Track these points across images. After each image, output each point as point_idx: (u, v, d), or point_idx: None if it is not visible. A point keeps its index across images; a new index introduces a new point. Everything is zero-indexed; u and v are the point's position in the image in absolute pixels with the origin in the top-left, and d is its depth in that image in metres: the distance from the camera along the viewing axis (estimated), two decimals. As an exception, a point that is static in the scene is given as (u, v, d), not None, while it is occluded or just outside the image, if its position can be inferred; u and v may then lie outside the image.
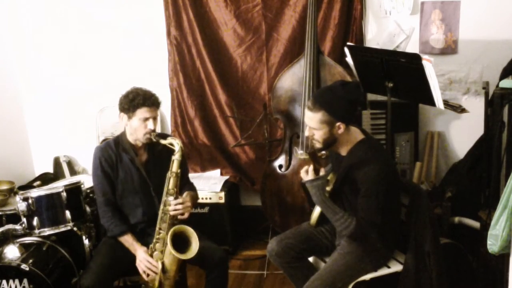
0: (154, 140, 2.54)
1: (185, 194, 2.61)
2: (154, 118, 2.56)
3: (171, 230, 2.43)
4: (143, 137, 2.56)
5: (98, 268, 2.48)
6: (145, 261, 2.49)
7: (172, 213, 2.49)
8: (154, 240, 2.51)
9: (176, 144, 2.50)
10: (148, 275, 2.49)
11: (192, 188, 2.77)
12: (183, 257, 2.41)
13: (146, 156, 2.68)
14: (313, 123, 2.28)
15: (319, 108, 2.24)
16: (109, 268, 2.50)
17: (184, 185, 2.72)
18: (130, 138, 2.63)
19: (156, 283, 2.49)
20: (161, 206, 2.51)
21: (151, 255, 2.51)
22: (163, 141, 2.53)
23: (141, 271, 2.50)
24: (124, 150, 2.64)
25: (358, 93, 2.35)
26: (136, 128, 2.55)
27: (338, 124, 2.26)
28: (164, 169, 2.56)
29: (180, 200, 2.50)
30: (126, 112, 2.56)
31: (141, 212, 2.66)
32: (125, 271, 2.69)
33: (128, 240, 2.58)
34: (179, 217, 2.51)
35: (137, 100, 2.51)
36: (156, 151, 2.67)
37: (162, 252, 2.49)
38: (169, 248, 2.39)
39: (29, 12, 3.97)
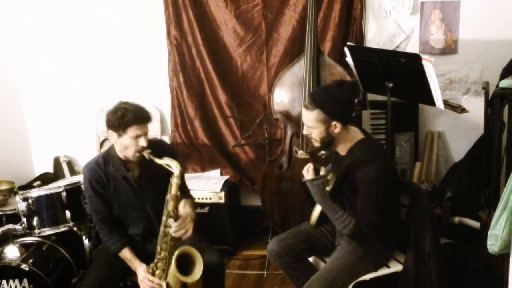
0: (147, 157, 2.40)
1: (181, 205, 2.46)
2: (146, 134, 2.44)
3: (176, 252, 2.36)
4: (134, 155, 2.44)
5: (96, 280, 2.45)
6: (146, 280, 2.44)
7: (173, 235, 2.41)
8: (156, 260, 2.45)
9: (174, 167, 2.35)
10: None
11: (188, 196, 2.65)
12: (187, 279, 2.38)
13: (138, 171, 2.56)
14: (309, 121, 2.29)
15: (315, 107, 2.25)
16: (107, 279, 2.48)
17: (181, 193, 2.57)
18: (120, 154, 2.50)
19: None
20: (161, 228, 2.43)
21: (153, 274, 2.45)
22: (158, 161, 2.38)
23: None
24: (115, 167, 2.53)
25: (354, 92, 2.35)
26: (127, 146, 2.42)
27: (334, 123, 2.26)
28: (157, 182, 2.48)
29: (181, 221, 2.41)
30: (115, 130, 2.41)
31: (141, 225, 2.61)
32: (124, 276, 2.66)
33: (127, 257, 2.52)
34: (183, 237, 2.44)
35: (127, 118, 2.36)
36: (148, 164, 2.49)
37: (164, 271, 2.44)
38: (174, 271, 2.35)
39: (29, 12, 3.97)
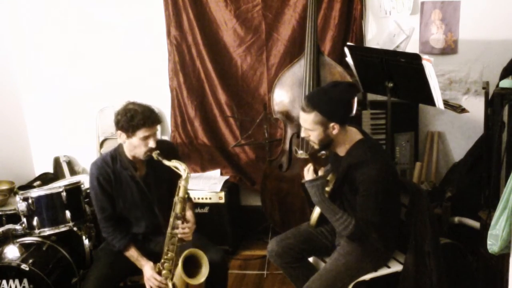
0: (155, 158, 2.44)
1: (189, 214, 2.55)
2: (154, 134, 2.47)
3: (183, 254, 2.39)
4: (144, 155, 2.48)
5: (98, 280, 2.46)
6: (152, 279, 2.46)
7: (180, 236, 2.46)
8: (162, 260, 2.48)
9: (182, 170, 2.41)
10: None
11: (189, 198, 2.68)
12: (194, 282, 2.40)
13: (145, 169, 2.60)
14: (307, 124, 2.28)
15: (312, 109, 2.24)
16: (108, 279, 2.49)
17: None
18: (129, 154, 2.54)
19: None
20: (169, 229, 2.46)
21: (159, 273, 2.48)
22: (167, 163, 2.43)
23: None
24: (123, 166, 2.56)
25: (351, 93, 2.34)
26: (136, 146, 2.46)
27: (332, 124, 2.26)
28: (163, 180, 2.52)
29: (189, 224, 2.48)
30: (125, 132, 2.44)
31: (144, 224, 2.63)
32: (126, 275, 2.68)
33: (133, 255, 2.54)
34: (184, 238, 2.48)
35: (137, 120, 2.39)
36: (155, 163, 2.52)
37: (171, 271, 2.47)
38: (181, 272, 2.37)
39: (29, 12, 3.97)
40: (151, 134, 2.44)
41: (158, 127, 2.52)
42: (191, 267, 2.41)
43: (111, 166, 2.56)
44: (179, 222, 2.44)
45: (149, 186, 2.60)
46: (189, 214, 2.56)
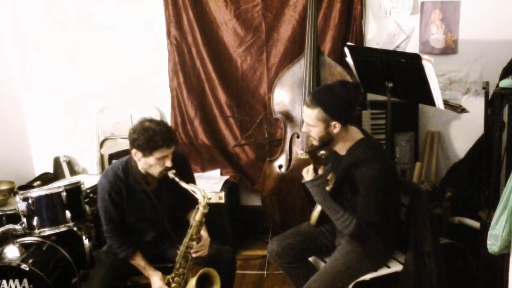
0: (170, 178, 2.41)
1: (205, 235, 2.54)
2: (171, 154, 2.42)
3: (199, 273, 2.43)
4: (159, 174, 2.43)
5: (102, 281, 2.45)
6: None
7: (194, 255, 2.47)
8: (173, 274, 2.49)
9: (201, 196, 2.38)
10: None
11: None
12: None
13: (157, 183, 2.56)
14: (309, 119, 2.28)
15: (316, 105, 2.25)
16: (112, 281, 2.49)
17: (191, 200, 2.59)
18: (142, 169, 2.48)
19: None
20: (182, 248, 2.46)
21: (168, 285, 2.49)
22: (184, 185, 2.40)
23: None
24: (136, 180, 2.51)
25: (357, 94, 2.34)
26: (151, 165, 2.41)
27: (334, 123, 2.26)
28: (174, 192, 2.50)
29: (202, 243, 2.49)
30: (141, 151, 2.37)
31: (152, 234, 2.62)
32: (128, 276, 2.68)
33: (140, 264, 2.54)
34: (201, 255, 2.50)
35: (155, 141, 2.33)
36: (166, 176, 2.48)
37: (181, 284, 2.49)
38: None
39: (29, 12, 3.97)
40: (168, 154, 2.40)
41: None
42: (203, 283, 2.46)
43: (124, 181, 2.51)
44: (194, 243, 2.46)
45: (160, 198, 2.57)
46: (205, 233, 2.55)
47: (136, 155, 2.41)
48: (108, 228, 2.55)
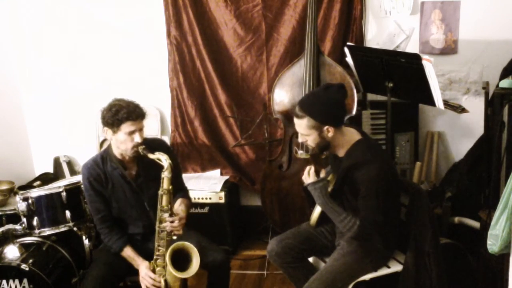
0: (141, 153, 2.45)
1: (177, 203, 2.56)
2: (140, 130, 2.47)
3: (170, 248, 2.38)
4: (130, 151, 2.47)
5: (97, 280, 2.45)
6: (147, 277, 2.46)
7: (168, 229, 2.44)
8: (155, 257, 2.48)
9: (164, 160, 2.41)
10: None
11: (186, 195, 2.71)
12: (184, 275, 2.37)
13: (136, 169, 2.60)
14: (302, 129, 2.30)
15: (304, 114, 2.26)
16: (107, 280, 2.48)
17: (178, 190, 2.65)
18: (117, 152, 2.54)
19: None
20: (157, 223, 2.45)
21: (153, 271, 2.47)
22: (150, 156, 2.43)
23: (144, 287, 2.47)
24: (113, 166, 2.56)
25: (342, 94, 2.32)
26: (122, 142, 2.46)
27: (326, 127, 2.26)
28: (155, 180, 2.49)
29: (176, 217, 2.44)
30: (110, 127, 2.45)
31: (141, 224, 2.63)
32: (125, 275, 2.67)
33: (129, 255, 2.54)
34: (174, 233, 2.45)
35: (121, 114, 2.40)
36: (145, 162, 2.54)
37: (164, 268, 2.45)
38: (169, 267, 2.35)
39: (29, 12, 3.97)
40: (136, 128, 2.44)
41: (144, 123, 2.52)
42: (183, 261, 2.39)
43: (102, 167, 2.57)
44: (166, 215, 2.43)
45: (141, 186, 2.59)
46: (180, 208, 2.55)
47: (107, 133, 2.48)
48: (96, 218, 2.59)
